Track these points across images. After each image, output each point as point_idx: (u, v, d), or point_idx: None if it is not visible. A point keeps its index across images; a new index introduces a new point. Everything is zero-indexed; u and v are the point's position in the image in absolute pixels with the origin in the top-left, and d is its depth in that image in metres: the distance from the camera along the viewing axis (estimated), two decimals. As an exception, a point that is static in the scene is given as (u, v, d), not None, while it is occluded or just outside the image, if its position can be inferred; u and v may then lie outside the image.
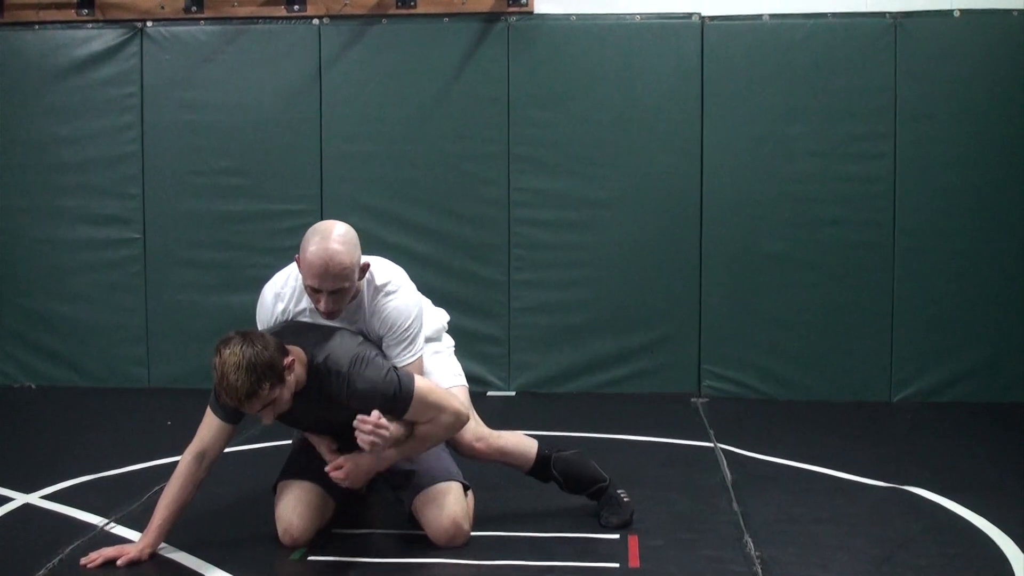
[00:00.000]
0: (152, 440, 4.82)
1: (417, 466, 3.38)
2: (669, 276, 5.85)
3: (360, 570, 3.21)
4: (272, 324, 3.37)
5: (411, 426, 3.22)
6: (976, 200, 5.65)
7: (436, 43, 5.90)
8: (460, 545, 3.33)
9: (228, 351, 2.95)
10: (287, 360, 3.04)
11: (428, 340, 3.62)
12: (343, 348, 3.18)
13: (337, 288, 3.19)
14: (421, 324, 3.43)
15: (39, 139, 6.09)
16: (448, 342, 3.81)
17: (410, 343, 3.35)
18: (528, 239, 5.92)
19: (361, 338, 3.32)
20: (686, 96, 5.78)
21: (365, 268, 3.31)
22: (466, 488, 3.45)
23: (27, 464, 4.44)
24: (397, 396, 3.14)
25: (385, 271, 3.43)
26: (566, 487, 3.64)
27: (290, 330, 3.28)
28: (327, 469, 3.22)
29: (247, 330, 3.08)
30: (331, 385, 3.15)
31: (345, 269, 3.16)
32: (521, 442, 3.63)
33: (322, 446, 3.35)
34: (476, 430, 3.53)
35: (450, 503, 3.33)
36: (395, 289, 3.38)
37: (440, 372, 3.61)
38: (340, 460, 3.20)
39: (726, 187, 5.78)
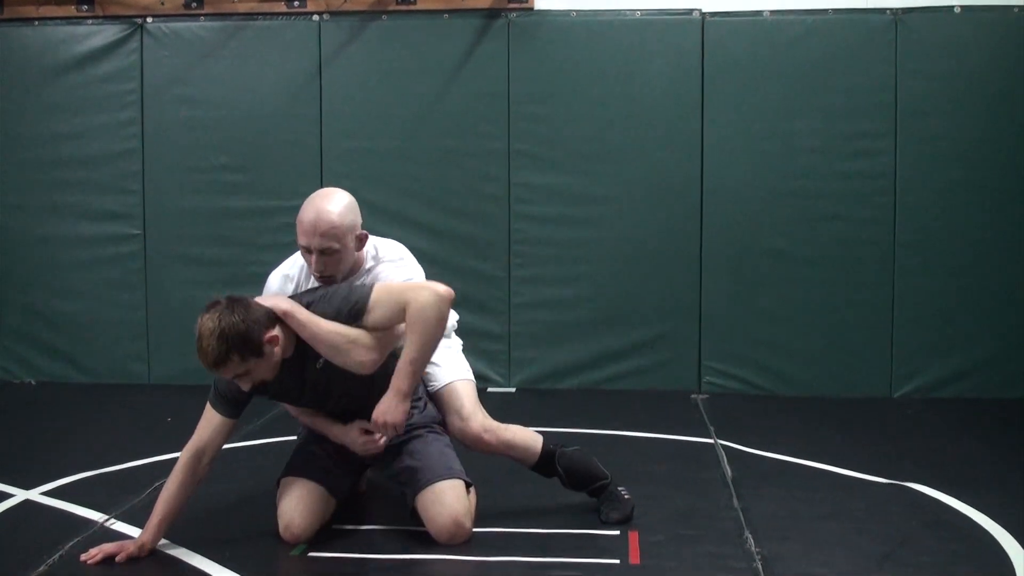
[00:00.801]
0: (152, 436, 4.81)
1: (420, 463, 3.38)
2: (669, 272, 5.85)
3: (360, 566, 3.21)
4: None
5: (394, 337, 3.21)
6: (977, 196, 5.64)
7: (436, 39, 5.89)
8: (461, 543, 3.33)
9: (208, 316, 2.99)
10: (268, 335, 3.05)
11: None
12: (321, 290, 3.26)
13: (326, 247, 3.25)
14: (416, 268, 3.52)
15: (39, 135, 6.09)
16: (457, 340, 3.83)
17: (403, 271, 3.44)
18: (528, 235, 5.91)
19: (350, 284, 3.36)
20: (686, 92, 5.77)
21: (363, 238, 3.38)
22: (468, 486, 3.45)
23: (27, 460, 4.44)
24: (355, 299, 3.16)
25: (390, 247, 3.55)
26: (568, 483, 3.64)
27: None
28: (378, 440, 3.30)
29: (238, 297, 3.08)
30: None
31: (334, 228, 3.24)
32: (527, 437, 3.64)
33: (352, 433, 3.37)
34: (484, 422, 3.55)
35: (452, 501, 3.33)
36: (396, 258, 3.50)
37: (448, 365, 3.64)
38: (375, 422, 3.24)
39: (726, 183, 5.77)
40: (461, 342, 3.86)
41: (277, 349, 3.09)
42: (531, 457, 3.62)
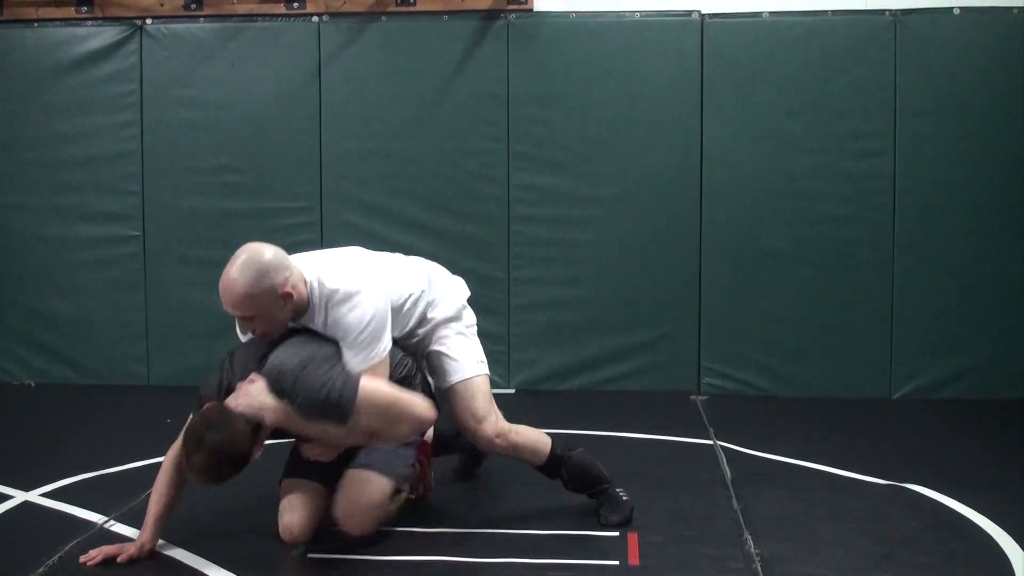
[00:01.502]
0: (152, 437, 4.79)
1: (369, 457, 3.38)
2: (669, 273, 5.85)
3: (359, 567, 3.21)
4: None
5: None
6: (976, 197, 5.65)
7: (436, 41, 5.90)
8: (353, 531, 3.33)
9: (195, 456, 3.00)
10: (255, 447, 3.10)
11: (448, 320, 3.60)
12: (293, 356, 3.16)
13: (243, 315, 3.16)
14: (383, 325, 3.27)
15: (39, 137, 6.09)
16: (469, 319, 3.74)
17: (365, 348, 3.22)
18: (528, 236, 5.91)
19: (319, 340, 3.25)
20: (686, 93, 5.77)
21: (287, 297, 3.16)
22: (398, 491, 3.43)
23: (27, 462, 4.44)
24: (336, 400, 3.10)
25: (339, 276, 3.27)
26: (571, 487, 3.65)
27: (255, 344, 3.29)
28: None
29: (208, 415, 3.08)
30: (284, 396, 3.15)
31: (242, 299, 3.11)
32: (536, 441, 3.62)
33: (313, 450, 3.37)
34: (497, 426, 3.53)
35: (368, 492, 3.33)
36: (348, 297, 3.23)
37: (464, 358, 3.59)
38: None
39: (726, 184, 5.77)
40: (474, 319, 3.77)
41: (264, 432, 3.16)
42: (538, 460, 3.62)
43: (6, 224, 6.15)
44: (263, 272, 3.13)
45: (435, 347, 3.59)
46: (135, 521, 3.51)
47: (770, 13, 5.73)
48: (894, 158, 5.68)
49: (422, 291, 3.53)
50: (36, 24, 6.08)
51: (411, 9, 5.91)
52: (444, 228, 5.90)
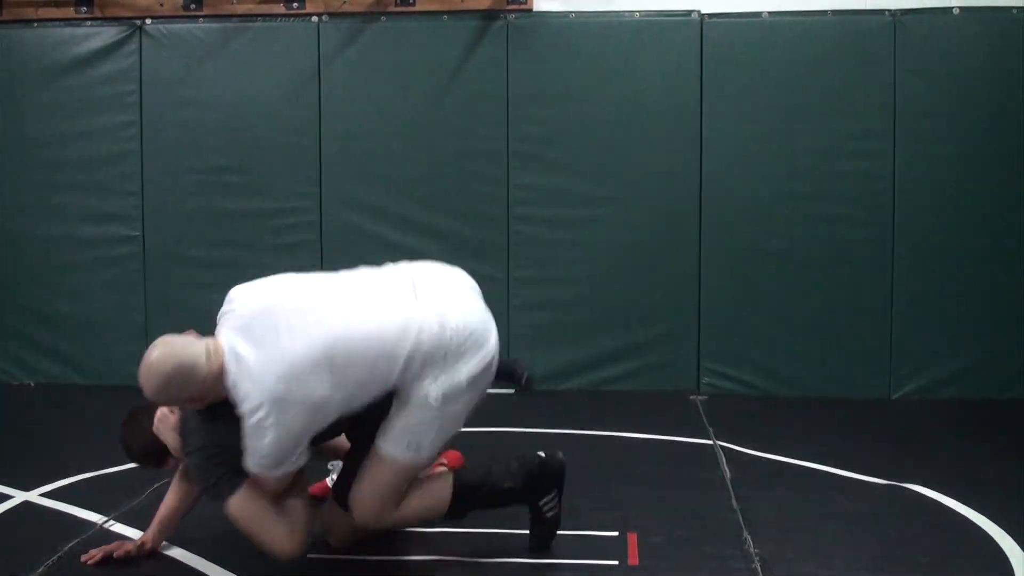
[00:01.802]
0: (152, 438, 4.81)
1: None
2: (668, 273, 5.85)
3: (359, 567, 3.21)
4: None
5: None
6: (975, 197, 5.64)
7: (435, 41, 5.90)
8: (338, 548, 3.32)
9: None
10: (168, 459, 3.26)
11: (426, 378, 2.98)
12: (200, 432, 3.05)
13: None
14: (283, 456, 2.90)
15: (38, 137, 6.09)
16: (447, 385, 3.02)
17: (261, 467, 2.93)
18: (527, 236, 5.91)
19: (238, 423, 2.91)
20: (685, 93, 5.77)
21: (198, 401, 2.93)
22: None
23: (27, 462, 4.45)
24: (208, 495, 3.08)
25: (250, 387, 2.85)
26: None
27: None
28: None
29: (129, 417, 3.37)
30: None
31: (154, 399, 2.96)
32: (427, 514, 3.24)
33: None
34: (374, 519, 3.13)
35: (349, 521, 3.24)
36: (251, 420, 2.85)
37: (395, 432, 3.02)
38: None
39: (725, 184, 5.77)
40: (458, 381, 3.05)
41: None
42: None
43: (6, 224, 6.15)
44: (166, 384, 2.87)
45: (394, 398, 3.03)
46: (135, 521, 3.52)
47: (769, 13, 5.73)
48: (894, 158, 5.67)
49: (399, 367, 2.94)
50: (36, 24, 6.08)
51: (411, 9, 5.92)
52: (444, 228, 5.90)
